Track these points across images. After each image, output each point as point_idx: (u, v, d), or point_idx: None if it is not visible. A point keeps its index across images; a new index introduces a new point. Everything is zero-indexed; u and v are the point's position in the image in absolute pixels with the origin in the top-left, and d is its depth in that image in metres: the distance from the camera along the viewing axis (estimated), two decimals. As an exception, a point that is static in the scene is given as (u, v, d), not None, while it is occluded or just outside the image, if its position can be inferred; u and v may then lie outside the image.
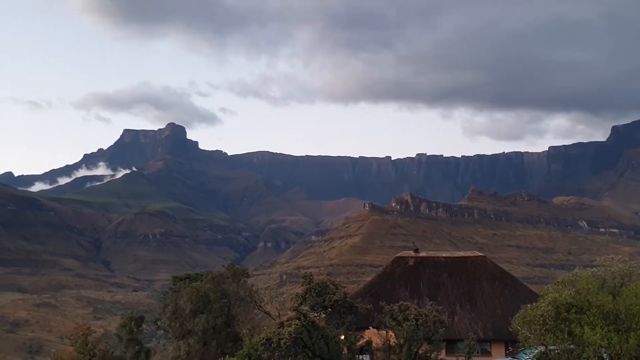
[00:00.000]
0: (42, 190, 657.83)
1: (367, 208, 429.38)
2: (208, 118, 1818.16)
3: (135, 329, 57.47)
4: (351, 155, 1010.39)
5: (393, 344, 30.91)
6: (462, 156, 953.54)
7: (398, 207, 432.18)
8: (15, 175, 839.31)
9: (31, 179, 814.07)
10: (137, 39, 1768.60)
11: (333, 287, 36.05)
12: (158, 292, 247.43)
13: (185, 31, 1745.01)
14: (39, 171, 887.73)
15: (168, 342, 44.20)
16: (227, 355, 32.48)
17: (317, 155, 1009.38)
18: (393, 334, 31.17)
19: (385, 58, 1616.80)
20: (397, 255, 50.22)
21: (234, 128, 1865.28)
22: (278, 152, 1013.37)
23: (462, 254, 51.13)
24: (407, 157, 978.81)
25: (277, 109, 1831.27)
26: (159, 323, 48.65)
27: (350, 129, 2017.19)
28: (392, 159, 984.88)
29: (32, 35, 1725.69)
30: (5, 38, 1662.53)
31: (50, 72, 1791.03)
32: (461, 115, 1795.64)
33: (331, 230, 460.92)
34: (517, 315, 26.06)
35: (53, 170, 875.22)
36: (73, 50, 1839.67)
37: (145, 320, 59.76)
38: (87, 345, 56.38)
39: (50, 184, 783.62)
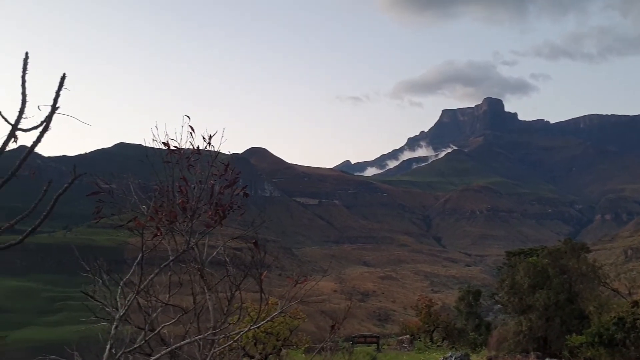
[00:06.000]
0: (374, 175, 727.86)
1: None
2: (520, 87, 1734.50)
3: (473, 303, 59.78)
4: None
5: None
6: None
7: None
8: (352, 163, 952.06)
9: (365, 165, 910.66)
10: (436, 22, 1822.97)
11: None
12: (491, 267, 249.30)
13: (485, 5, 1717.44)
14: (370, 157, 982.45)
15: (508, 317, 44.64)
16: (574, 333, 31.28)
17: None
18: None
19: None
20: None
21: (552, 93, 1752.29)
22: (609, 114, 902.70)
23: None
24: None
25: (595, 67, 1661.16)
26: (496, 297, 49.43)
27: None
28: None
29: (346, 39, 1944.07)
30: (322, 45, 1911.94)
31: (364, 68, 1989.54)
32: None
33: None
34: None
35: (382, 155, 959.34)
36: (380, 46, 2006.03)
37: (481, 294, 61.60)
38: (430, 316, 61.13)
39: (381, 169, 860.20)
